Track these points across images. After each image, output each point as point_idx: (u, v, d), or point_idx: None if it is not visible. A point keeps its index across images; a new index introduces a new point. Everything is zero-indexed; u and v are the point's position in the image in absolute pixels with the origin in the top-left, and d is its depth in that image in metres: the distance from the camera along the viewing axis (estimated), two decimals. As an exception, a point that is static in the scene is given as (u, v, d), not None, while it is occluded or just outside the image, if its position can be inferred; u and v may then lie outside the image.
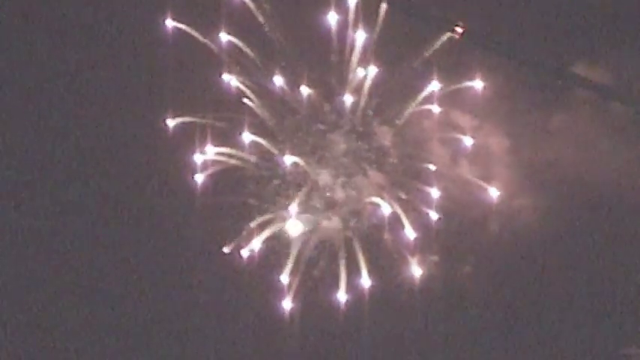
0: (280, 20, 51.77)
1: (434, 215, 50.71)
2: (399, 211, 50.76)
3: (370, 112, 52.17)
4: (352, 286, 50.47)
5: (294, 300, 50.62)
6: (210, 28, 51.72)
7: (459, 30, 51.25)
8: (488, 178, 51.18)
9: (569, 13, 52.06)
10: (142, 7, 52.59)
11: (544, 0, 52.24)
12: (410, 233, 50.31)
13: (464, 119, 51.88)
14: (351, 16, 51.33)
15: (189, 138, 51.57)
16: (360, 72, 51.44)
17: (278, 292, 50.60)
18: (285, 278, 50.57)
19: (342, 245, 51.02)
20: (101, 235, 52.69)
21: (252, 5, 51.84)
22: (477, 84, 50.89)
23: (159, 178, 52.33)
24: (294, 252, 51.08)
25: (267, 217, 51.46)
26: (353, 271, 50.65)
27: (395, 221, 50.79)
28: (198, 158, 51.49)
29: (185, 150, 51.62)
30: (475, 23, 51.79)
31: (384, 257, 50.85)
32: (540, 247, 50.55)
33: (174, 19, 51.93)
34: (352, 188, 51.93)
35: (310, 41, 51.93)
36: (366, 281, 50.22)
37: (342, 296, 50.33)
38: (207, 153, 51.65)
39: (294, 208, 50.92)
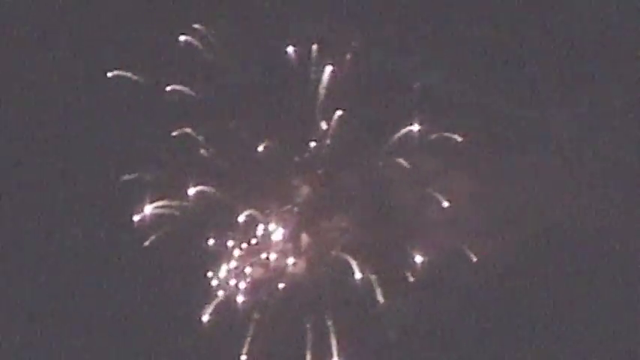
0: (235, 61, 51.63)
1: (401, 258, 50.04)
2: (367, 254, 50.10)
3: (334, 156, 51.68)
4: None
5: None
6: (159, 77, 51.40)
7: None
8: (457, 223, 50.92)
9: (539, 58, 52.68)
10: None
11: (514, 44, 52.91)
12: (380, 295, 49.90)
13: (430, 163, 51.54)
14: (314, 52, 51.28)
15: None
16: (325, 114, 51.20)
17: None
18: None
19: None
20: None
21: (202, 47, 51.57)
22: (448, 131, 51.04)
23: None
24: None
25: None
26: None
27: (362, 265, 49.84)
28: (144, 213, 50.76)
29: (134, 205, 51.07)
30: (444, 70, 52.27)
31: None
32: (512, 292, 50.44)
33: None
34: (317, 233, 51.16)
35: (270, 81, 51.78)
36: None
37: None
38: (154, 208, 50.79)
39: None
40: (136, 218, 50.44)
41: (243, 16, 52.73)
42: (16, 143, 53.55)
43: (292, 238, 51.08)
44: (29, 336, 51.76)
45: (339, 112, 50.95)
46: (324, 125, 51.43)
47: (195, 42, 51.50)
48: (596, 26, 52.82)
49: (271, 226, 50.68)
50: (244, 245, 50.56)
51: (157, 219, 50.56)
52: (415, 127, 50.74)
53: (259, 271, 50.79)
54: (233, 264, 50.35)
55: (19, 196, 52.88)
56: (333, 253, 50.64)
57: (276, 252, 50.74)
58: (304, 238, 51.26)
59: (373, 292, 49.79)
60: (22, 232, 52.49)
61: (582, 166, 51.99)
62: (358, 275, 49.55)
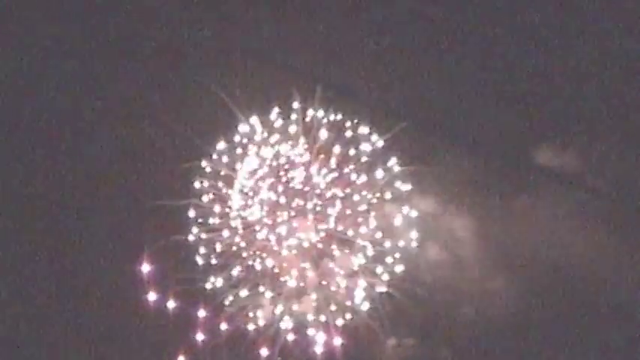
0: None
1: (406, 298, 50.85)
2: (371, 294, 51.07)
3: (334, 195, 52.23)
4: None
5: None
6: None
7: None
8: (457, 261, 51.67)
9: (535, 98, 53.11)
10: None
11: (510, 83, 53.44)
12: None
13: (427, 202, 52.33)
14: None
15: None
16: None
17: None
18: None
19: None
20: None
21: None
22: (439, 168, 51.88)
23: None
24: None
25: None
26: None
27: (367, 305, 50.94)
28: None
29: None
30: (436, 110, 52.90)
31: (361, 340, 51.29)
32: (513, 329, 50.67)
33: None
34: (322, 272, 51.80)
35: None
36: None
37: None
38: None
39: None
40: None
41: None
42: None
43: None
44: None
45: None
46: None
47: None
48: (596, 68, 53.26)
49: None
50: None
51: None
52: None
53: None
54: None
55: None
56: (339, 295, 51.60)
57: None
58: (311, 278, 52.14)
59: (378, 331, 50.92)
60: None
61: (586, 206, 52.20)
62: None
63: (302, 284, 51.68)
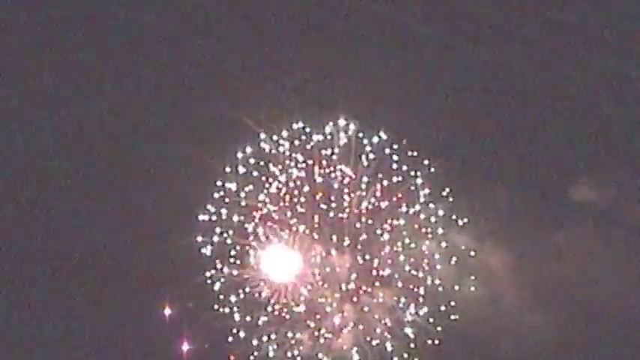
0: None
1: (445, 335, 51.08)
2: (411, 330, 51.56)
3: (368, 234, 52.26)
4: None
5: None
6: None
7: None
8: (495, 297, 51.77)
9: (573, 134, 53.36)
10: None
11: (549, 119, 53.65)
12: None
13: (462, 239, 52.36)
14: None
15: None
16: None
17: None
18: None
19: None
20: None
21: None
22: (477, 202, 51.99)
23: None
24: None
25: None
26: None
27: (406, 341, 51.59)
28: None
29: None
30: (473, 150, 53.02)
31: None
32: None
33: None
34: (361, 308, 51.88)
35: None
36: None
37: None
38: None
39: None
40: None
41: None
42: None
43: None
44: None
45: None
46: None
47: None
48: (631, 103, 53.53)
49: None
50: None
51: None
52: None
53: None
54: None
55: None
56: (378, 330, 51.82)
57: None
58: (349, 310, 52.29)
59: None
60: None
61: (623, 242, 52.17)
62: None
63: (340, 320, 51.90)
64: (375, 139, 52.33)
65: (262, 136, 52.35)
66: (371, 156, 52.28)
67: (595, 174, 52.82)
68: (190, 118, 53.63)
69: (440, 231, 52.25)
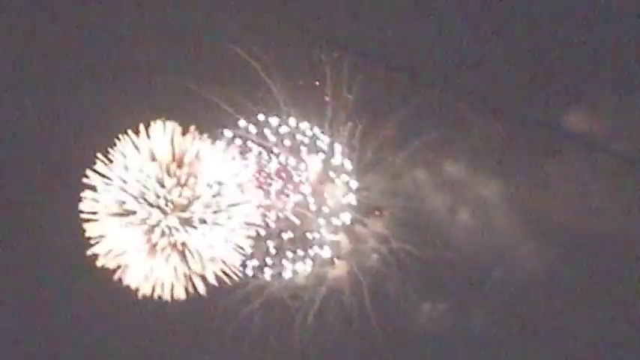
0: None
1: (438, 264, 51.24)
2: (404, 259, 51.70)
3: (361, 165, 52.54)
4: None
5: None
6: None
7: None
8: (489, 226, 52.02)
9: (563, 62, 52.83)
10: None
11: (538, 49, 53.00)
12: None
13: (455, 169, 52.63)
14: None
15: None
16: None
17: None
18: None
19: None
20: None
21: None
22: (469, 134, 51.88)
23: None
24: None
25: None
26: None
27: (400, 270, 51.72)
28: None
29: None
30: (465, 77, 52.68)
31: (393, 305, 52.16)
32: (545, 294, 51.23)
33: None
34: (354, 238, 52.45)
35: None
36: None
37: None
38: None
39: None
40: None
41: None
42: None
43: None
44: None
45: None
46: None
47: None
48: (624, 30, 52.49)
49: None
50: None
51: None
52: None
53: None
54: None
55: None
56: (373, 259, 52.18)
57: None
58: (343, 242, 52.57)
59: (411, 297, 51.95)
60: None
61: (615, 170, 52.16)
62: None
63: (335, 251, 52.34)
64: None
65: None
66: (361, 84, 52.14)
67: (587, 102, 52.71)
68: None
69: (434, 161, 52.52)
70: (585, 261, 51.22)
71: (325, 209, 51.99)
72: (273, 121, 51.94)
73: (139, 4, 53.83)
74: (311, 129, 52.28)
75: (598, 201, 52.02)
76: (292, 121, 52.11)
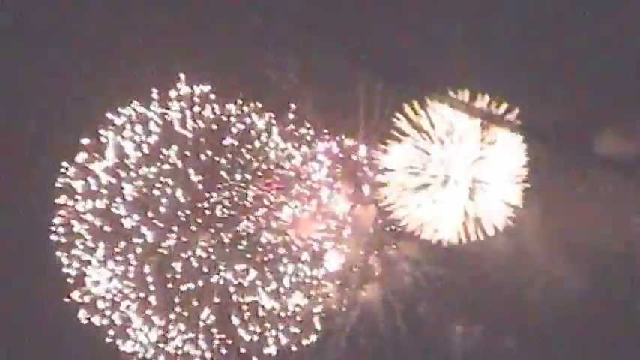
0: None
1: (470, 287, 51.33)
2: (437, 283, 51.98)
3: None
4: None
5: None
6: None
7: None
8: (522, 249, 51.69)
9: (598, 86, 52.33)
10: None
11: (575, 70, 52.59)
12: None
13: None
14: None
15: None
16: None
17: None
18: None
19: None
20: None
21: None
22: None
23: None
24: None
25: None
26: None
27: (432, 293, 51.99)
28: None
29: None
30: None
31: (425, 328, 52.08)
32: (580, 317, 50.85)
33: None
34: (386, 262, 52.53)
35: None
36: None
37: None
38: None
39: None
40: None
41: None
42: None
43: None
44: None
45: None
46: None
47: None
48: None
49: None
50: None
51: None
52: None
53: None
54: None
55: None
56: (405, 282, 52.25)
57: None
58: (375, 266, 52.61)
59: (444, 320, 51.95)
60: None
61: None
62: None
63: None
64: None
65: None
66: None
67: (621, 125, 52.31)
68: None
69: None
70: (620, 284, 50.90)
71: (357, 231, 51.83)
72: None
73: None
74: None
75: (633, 224, 51.68)
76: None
